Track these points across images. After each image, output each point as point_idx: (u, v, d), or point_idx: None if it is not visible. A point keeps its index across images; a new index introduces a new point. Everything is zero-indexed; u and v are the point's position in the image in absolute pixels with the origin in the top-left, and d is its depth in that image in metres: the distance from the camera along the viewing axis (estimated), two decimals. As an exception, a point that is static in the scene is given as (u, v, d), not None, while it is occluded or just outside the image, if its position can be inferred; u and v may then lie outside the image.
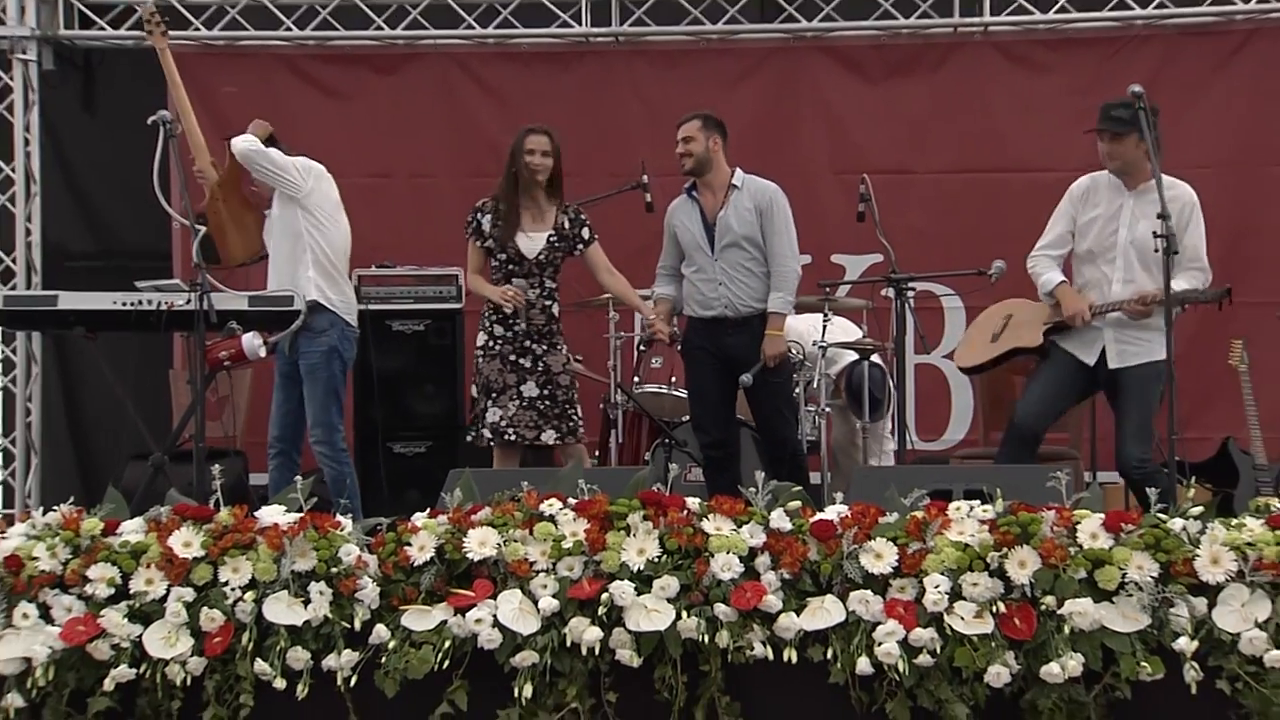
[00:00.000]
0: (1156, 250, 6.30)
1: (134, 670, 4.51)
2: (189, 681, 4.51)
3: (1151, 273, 6.68)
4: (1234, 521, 4.57)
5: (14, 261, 9.86)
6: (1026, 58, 9.63)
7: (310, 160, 7.51)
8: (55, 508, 4.88)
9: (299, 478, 5.15)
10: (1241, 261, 9.08)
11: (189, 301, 6.23)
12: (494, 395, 7.20)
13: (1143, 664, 4.35)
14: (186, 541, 4.65)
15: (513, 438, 7.15)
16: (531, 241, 7.20)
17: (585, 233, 7.33)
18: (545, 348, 7.22)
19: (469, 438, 7.39)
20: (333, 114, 9.79)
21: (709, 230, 7.31)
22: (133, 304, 6.51)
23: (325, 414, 7.56)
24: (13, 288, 9.68)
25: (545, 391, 7.19)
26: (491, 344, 7.22)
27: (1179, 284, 6.50)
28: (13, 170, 9.87)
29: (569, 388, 7.27)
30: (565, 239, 7.25)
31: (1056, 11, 9.52)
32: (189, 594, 4.57)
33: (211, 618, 4.52)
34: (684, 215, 7.41)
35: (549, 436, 7.19)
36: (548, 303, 7.26)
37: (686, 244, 7.37)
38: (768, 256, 7.31)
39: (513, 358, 7.17)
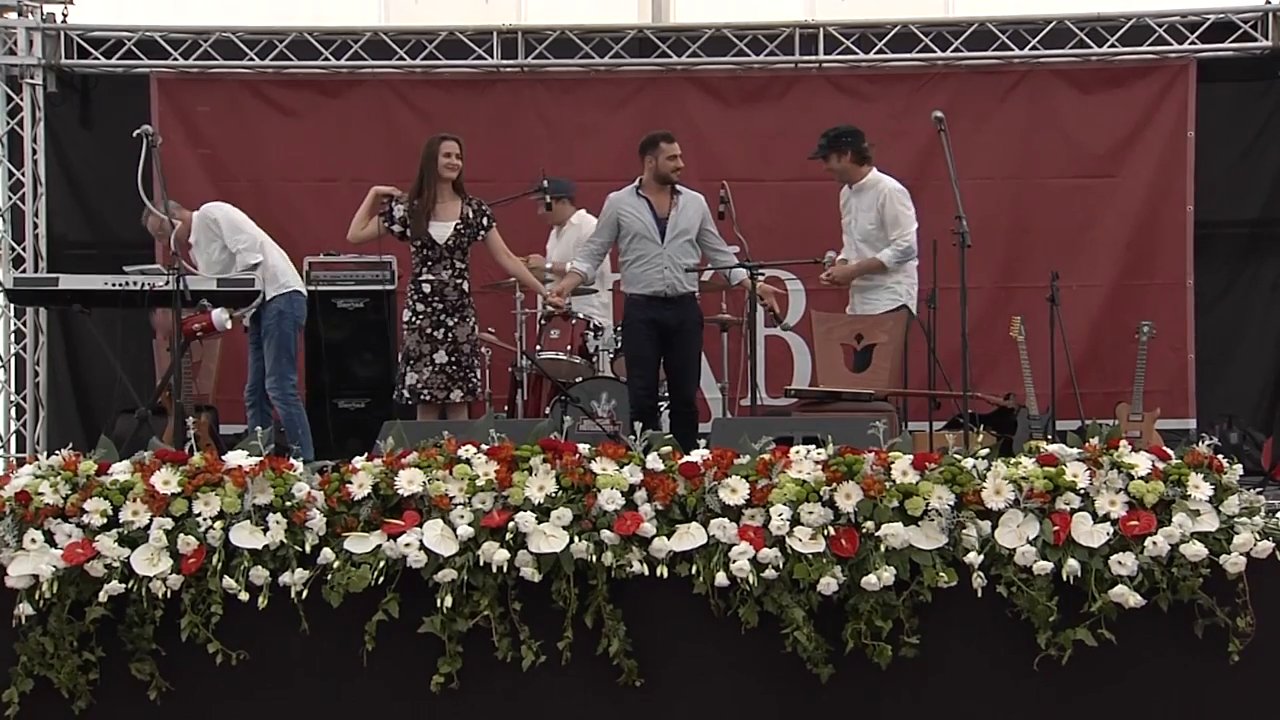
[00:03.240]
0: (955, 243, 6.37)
1: (123, 585, 4.40)
2: (169, 595, 4.42)
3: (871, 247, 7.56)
4: (1012, 460, 4.60)
5: (24, 249, 9.67)
6: (853, 89, 9.69)
7: (229, 213, 7.67)
8: (58, 452, 4.76)
9: (259, 427, 5.08)
10: (1019, 254, 9.22)
11: (168, 283, 6.12)
12: (411, 362, 7.11)
13: (941, 574, 4.37)
14: (166, 480, 4.55)
15: (427, 398, 7.06)
16: (441, 230, 7.09)
17: (485, 221, 7.19)
18: (456, 320, 7.09)
19: (395, 396, 7.31)
20: (288, 129, 9.69)
21: (660, 223, 7.26)
22: (121, 284, 6.37)
23: (277, 365, 7.54)
24: (23, 271, 9.49)
25: (452, 359, 7.07)
26: (413, 319, 7.11)
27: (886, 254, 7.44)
28: (23, 174, 9.67)
29: (471, 354, 7.14)
30: (470, 226, 7.14)
31: (876, 53, 9.58)
32: (168, 523, 4.47)
33: (187, 543, 4.43)
34: (632, 207, 7.31)
35: (456, 396, 7.08)
36: (459, 281, 7.13)
37: (636, 231, 7.26)
38: (712, 241, 7.43)
39: (428, 330, 7.07)
